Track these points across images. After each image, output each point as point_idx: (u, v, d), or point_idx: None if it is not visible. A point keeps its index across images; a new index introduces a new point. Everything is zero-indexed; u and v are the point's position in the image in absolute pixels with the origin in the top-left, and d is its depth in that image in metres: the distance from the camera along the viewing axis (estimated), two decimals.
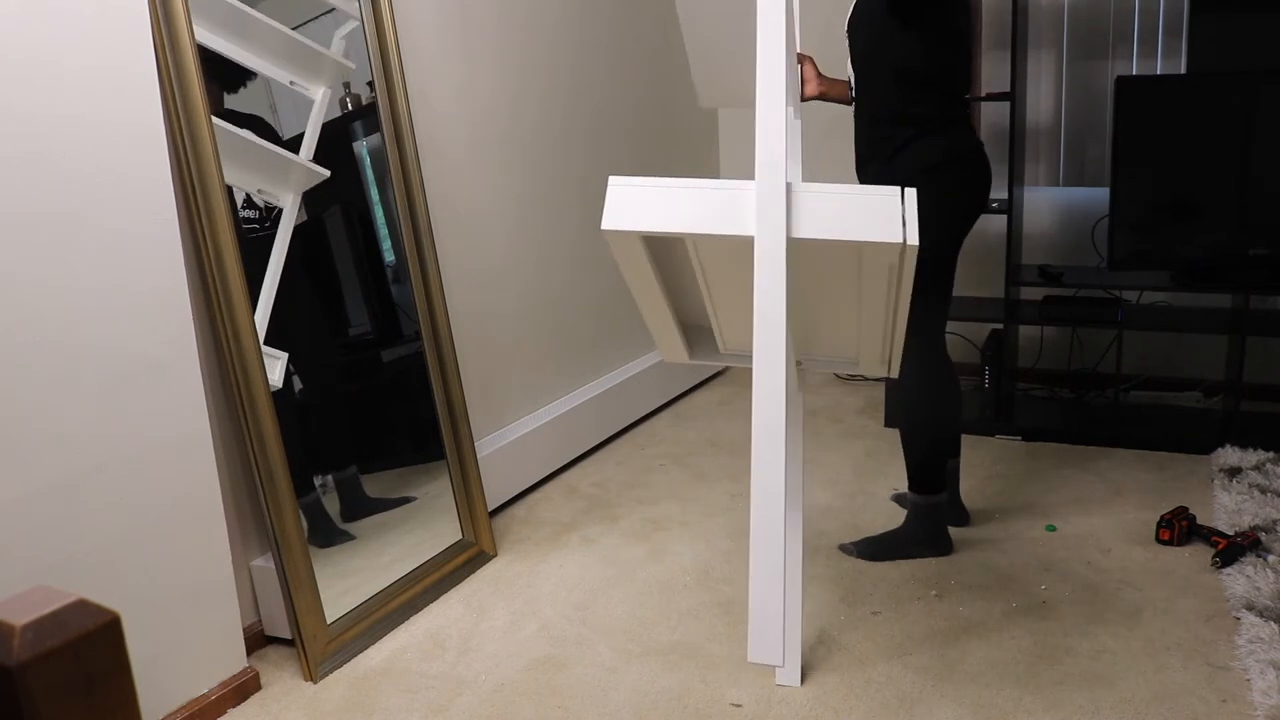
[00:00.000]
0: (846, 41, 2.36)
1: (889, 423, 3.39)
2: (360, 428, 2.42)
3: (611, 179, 1.63)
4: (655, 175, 1.62)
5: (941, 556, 2.45)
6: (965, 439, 3.19)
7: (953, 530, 2.53)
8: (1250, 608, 2.09)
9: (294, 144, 2.23)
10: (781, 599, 1.59)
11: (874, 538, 2.51)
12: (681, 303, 1.92)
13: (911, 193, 1.56)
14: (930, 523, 2.45)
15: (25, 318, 1.62)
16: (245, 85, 2.13)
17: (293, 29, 2.22)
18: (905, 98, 2.25)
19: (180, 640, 1.90)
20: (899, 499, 2.74)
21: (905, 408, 2.46)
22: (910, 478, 2.44)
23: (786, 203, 1.52)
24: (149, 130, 1.81)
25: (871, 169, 2.33)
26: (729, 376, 4.16)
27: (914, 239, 1.53)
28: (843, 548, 2.52)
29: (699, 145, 4.07)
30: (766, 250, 1.51)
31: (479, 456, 2.62)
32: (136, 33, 1.78)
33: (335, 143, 2.38)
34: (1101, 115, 3.51)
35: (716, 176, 4.21)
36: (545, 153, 3.12)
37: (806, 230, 1.53)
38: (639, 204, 1.61)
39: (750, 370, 1.56)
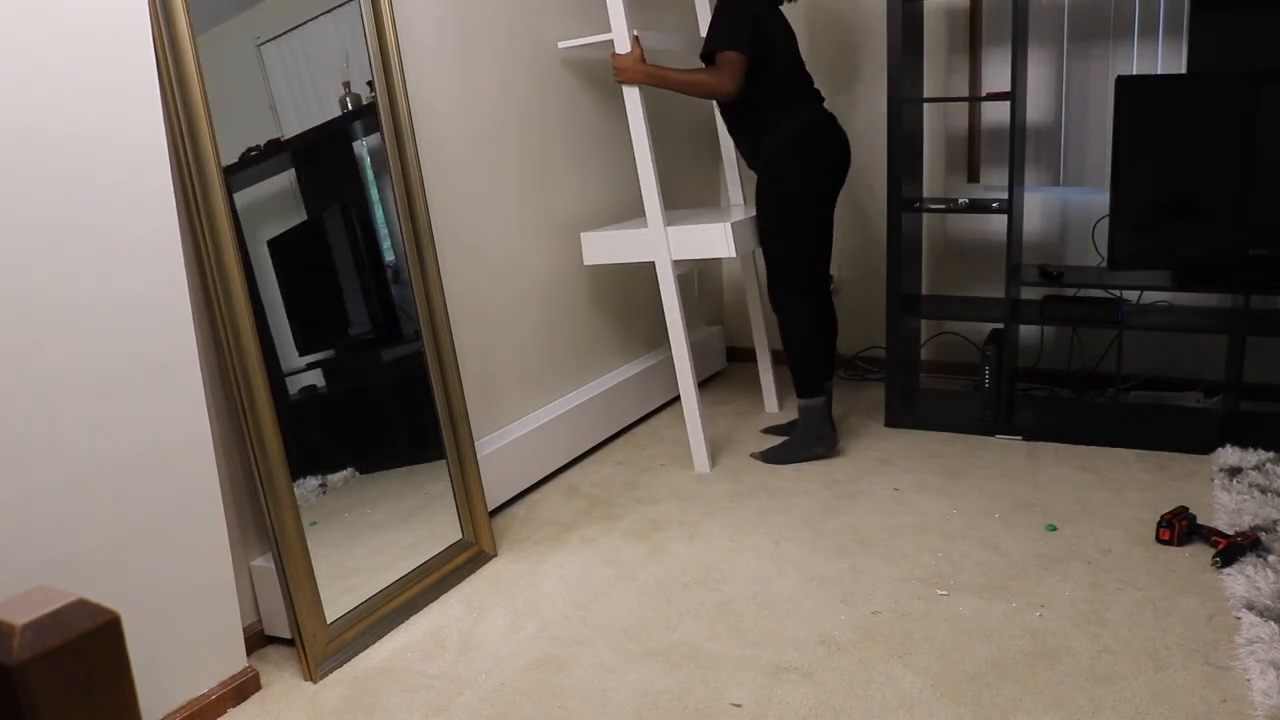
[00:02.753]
0: None
1: (889, 422, 3.40)
2: (360, 428, 2.42)
3: (583, 234, 3.15)
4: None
5: (829, 451, 3.11)
6: (965, 438, 3.24)
7: (951, 519, 2.53)
8: (1250, 608, 2.09)
9: (296, 141, 2.23)
10: (701, 432, 3.06)
11: (775, 447, 3.14)
12: None
13: (727, 225, 2.90)
14: (815, 422, 3.09)
15: (26, 319, 1.62)
16: None
17: (294, 28, 2.22)
18: (752, 107, 2.96)
19: (180, 640, 1.90)
20: (770, 430, 3.41)
21: (785, 334, 3.09)
22: (796, 387, 3.11)
23: (666, 240, 2.95)
24: (150, 132, 1.81)
25: (756, 165, 3.05)
26: (729, 377, 4.16)
27: (733, 252, 2.92)
28: (752, 455, 3.16)
29: (699, 138, 4.07)
30: (661, 264, 2.99)
31: (479, 456, 2.63)
32: (137, 35, 1.78)
33: (335, 142, 2.38)
34: (1101, 115, 3.51)
35: (718, 161, 4.21)
36: (545, 151, 3.12)
37: (677, 254, 2.97)
38: (598, 247, 3.12)
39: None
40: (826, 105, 3.08)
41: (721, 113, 3.13)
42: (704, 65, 2.94)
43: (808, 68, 3.09)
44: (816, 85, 3.08)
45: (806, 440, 3.11)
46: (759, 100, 2.94)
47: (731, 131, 3.11)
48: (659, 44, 3.13)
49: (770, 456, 3.13)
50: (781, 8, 3.04)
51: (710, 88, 2.88)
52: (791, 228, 3.00)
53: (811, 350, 3.08)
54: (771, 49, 2.92)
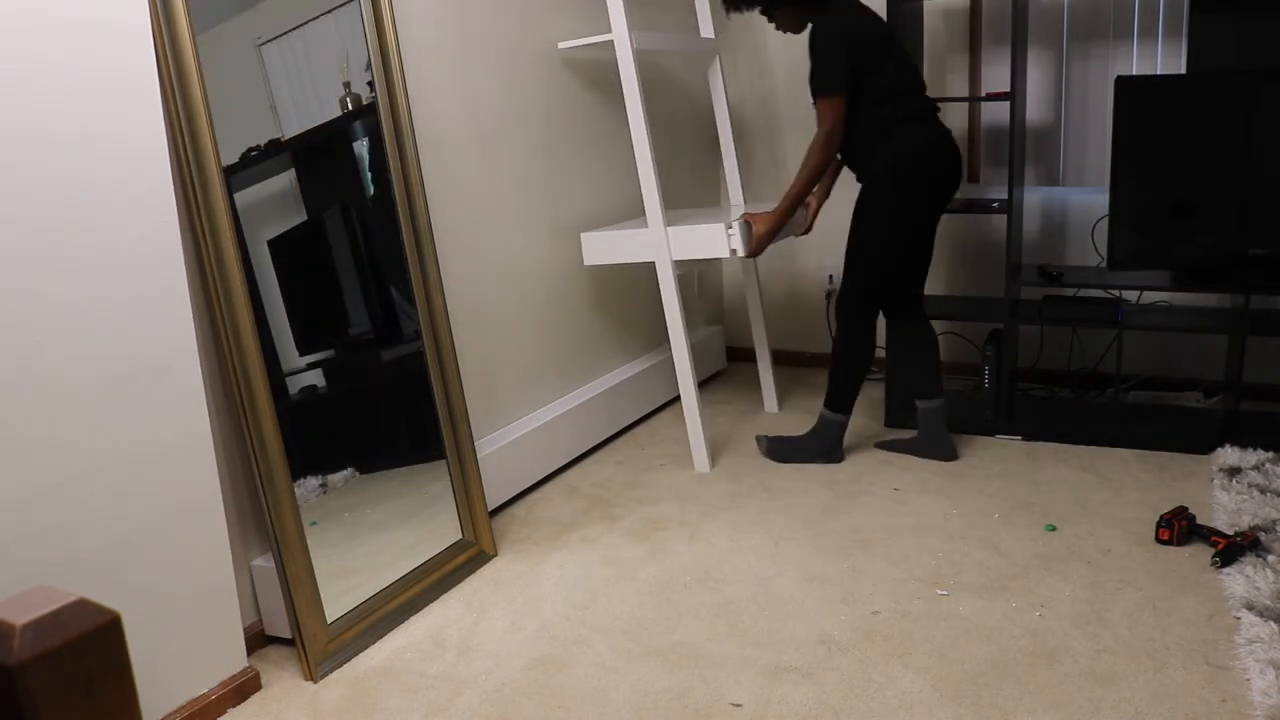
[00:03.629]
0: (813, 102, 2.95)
1: (889, 422, 3.40)
2: (360, 428, 2.42)
3: (583, 234, 3.16)
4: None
5: (832, 464, 3.10)
6: (965, 438, 3.23)
7: (955, 523, 2.53)
8: (1250, 607, 2.09)
9: (296, 141, 2.23)
10: (701, 432, 3.08)
11: (785, 440, 3.17)
12: None
13: (732, 227, 2.87)
14: (830, 437, 3.10)
15: (26, 318, 1.62)
16: None
17: (294, 28, 2.22)
18: (851, 136, 2.85)
19: (180, 640, 1.90)
20: (883, 445, 3.27)
21: (835, 343, 3.06)
22: (827, 395, 3.08)
23: (666, 240, 2.96)
24: (150, 131, 1.81)
25: (861, 182, 2.93)
26: (728, 377, 4.16)
27: (740, 249, 2.89)
28: (758, 439, 3.24)
29: (700, 138, 4.07)
30: (661, 264, 2.99)
31: (479, 456, 2.63)
32: (137, 35, 1.79)
33: (335, 142, 2.38)
34: (1101, 115, 3.51)
35: (718, 161, 4.21)
36: (545, 152, 3.12)
37: (678, 254, 2.97)
38: (598, 247, 3.12)
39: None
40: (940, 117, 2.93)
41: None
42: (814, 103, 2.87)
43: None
44: (928, 96, 2.93)
45: (815, 449, 3.11)
46: (857, 130, 2.84)
47: (841, 156, 2.98)
48: (659, 44, 3.14)
49: (775, 451, 3.15)
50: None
51: (826, 151, 2.80)
52: (873, 249, 2.92)
53: (853, 368, 3.03)
54: (867, 73, 2.79)
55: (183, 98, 1.89)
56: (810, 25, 2.87)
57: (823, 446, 3.10)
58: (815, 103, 2.83)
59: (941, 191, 2.91)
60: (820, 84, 2.80)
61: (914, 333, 3.11)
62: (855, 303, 2.98)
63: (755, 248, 2.94)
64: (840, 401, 3.07)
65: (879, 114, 2.81)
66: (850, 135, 2.86)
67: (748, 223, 2.91)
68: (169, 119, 1.87)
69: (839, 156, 2.95)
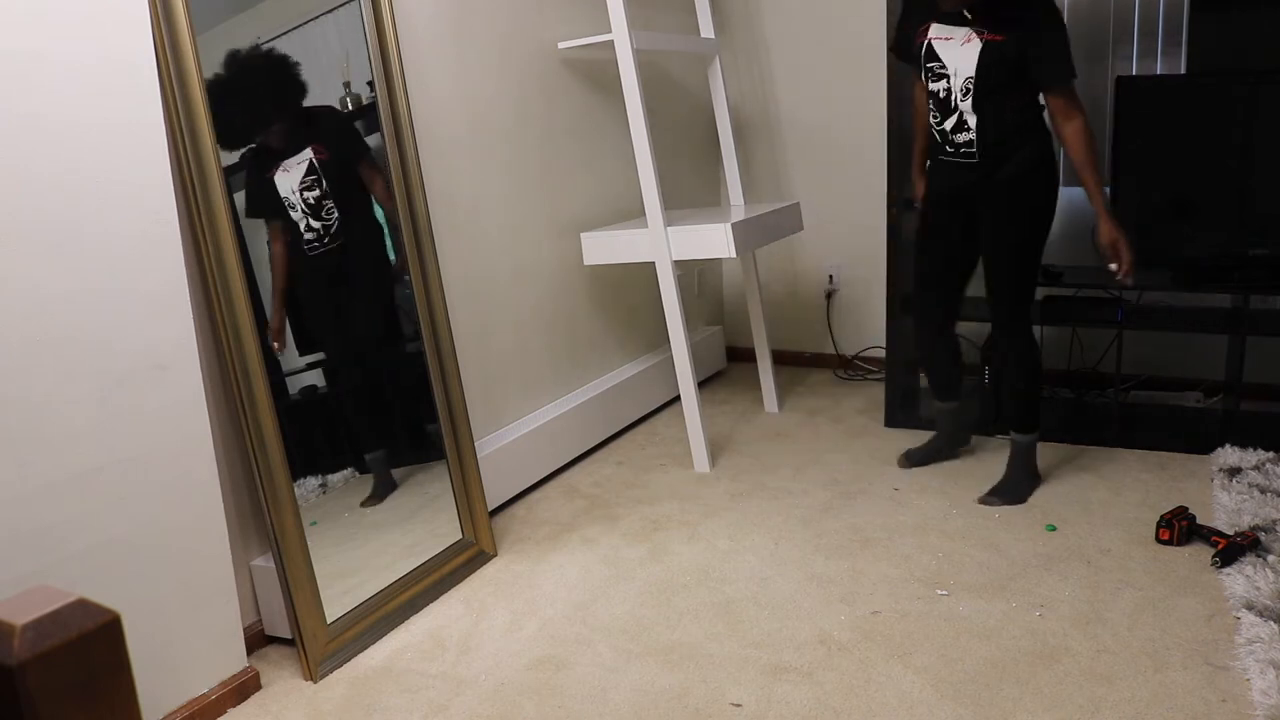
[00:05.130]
0: (965, 87, 2.59)
1: (889, 422, 3.40)
2: (360, 428, 2.42)
3: (583, 234, 3.17)
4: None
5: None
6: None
7: (960, 520, 2.53)
8: (1250, 607, 2.09)
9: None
10: (701, 432, 3.08)
11: (997, 488, 2.79)
12: None
13: (727, 226, 2.90)
14: (1033, 457, 2.83)
15: (25, 317, 1.62)
16: None
17: (294, 28, 2.22)
18: (1022, 119, 2.58)
19: (180, 640, 1.90)
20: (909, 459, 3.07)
21: (1023, 362, 2.75)
22: (1020, 421, 2.80)
23: (666, 240, 2.96)
24: (149, 129, 1.81)
25: (1001, 172, 2.64)
26: (728, 377, 4.16)
27: (734, 253, 2.92)
28: (980, 500, 2.77)
29: (699, 138, 4.07)
30: (661, 265, 2.99)
31: (479, 456, 2.63)
32: (136, 32, 1.79)
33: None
34: (1101, 115, 3.51)
35: (718, 161, 4.21)
36: (545, 152, 3.12)
37: (678, 255, 2.97)
38: (598, 247, 3.14)
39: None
40: None
41: (977, 111, 2.57)
42: (1025, 90, 2.57)
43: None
44: None
45: (1029, 476, 2.82)
46: (1005, 116, 2.56)
47: (987, 133, 2.59)
48: (659, 44, 3.14)
49: (1006, 497, 2.77)
50: None
51: (1093, 139, 2.56)
52: (1037, 247, 2.70)
53: (1039, 376, 2.79)
54: None
55: (183, 96, 1.89)
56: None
57: (1032, 471, 2.83)
58: (1056, 87, 2.51)
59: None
60: (1068, 68, 2.50)
61: (951, 336, 2.96)
62: (1025, 308, 2.72)
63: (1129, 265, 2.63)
64: (1033, 420, 2.79)
65: (1037, 105, 2.59)
66: (999, 122, 2.56)
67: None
68: (169, 118, 1.87)
69: (947, 142, 2.66)
